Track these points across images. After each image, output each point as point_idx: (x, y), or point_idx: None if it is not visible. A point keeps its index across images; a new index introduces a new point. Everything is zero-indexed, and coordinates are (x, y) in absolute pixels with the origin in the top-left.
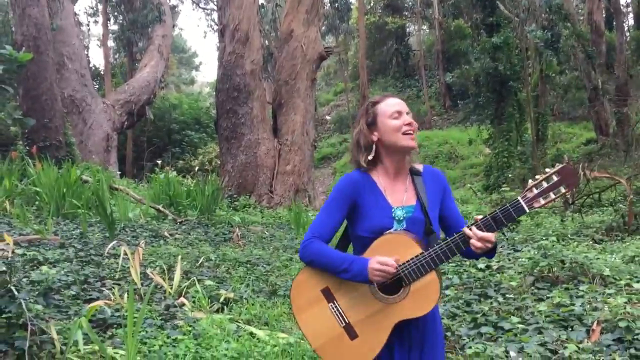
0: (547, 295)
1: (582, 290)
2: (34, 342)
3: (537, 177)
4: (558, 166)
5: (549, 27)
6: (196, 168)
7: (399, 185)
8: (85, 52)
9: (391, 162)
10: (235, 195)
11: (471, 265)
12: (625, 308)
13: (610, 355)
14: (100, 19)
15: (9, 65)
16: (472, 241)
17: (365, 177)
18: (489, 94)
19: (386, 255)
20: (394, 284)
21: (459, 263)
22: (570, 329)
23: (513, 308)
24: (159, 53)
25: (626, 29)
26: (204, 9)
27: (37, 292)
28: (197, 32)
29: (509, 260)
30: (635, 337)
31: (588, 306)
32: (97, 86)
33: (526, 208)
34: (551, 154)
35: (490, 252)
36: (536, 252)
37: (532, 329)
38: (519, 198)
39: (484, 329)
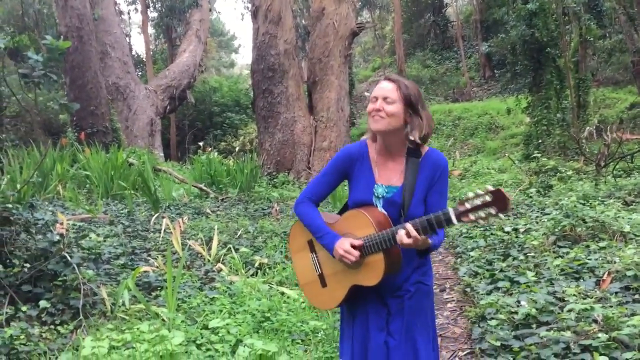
0: (567, 252)
1: (601, 247)
2: (87, 302)
3: (470, 194)
4: (492, 188)
5: None
6: (237, 148)
7: (393, 164)
8: (127, 40)
9: (378, 140)
10: (274, 173)
11: (498, 229)
12: (633, 259)
13: (613, 299)
14: (139, 6)
15: (51, 53)
16: (399, 234)
17: (362, 151)
18: (526, 62)
19: (347, 227)
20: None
21: (486, 228)
22: (581, 280)
23: (532, 265)
24: (197, 37)
25: None
26: None
27: (88, 259)
28: (234, 15)
29: (537, 222)
30: None
31: (601, 260)
32: (139, 73)
33: (454, 220)
34: (593, 120)
35: (425, 252)
36: (558, 213)
37: (544, 281)
38: (450, 209)
39: (500, 284)
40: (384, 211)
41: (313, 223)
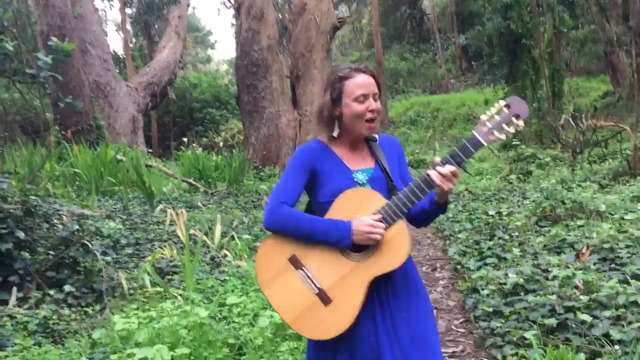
0: (548, 231)
1: (579, 225)
2: (108, 285)
3: (487, 112)
4: (506, 99)
5: None
6: (220, 144)
7: (357, 153)
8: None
9: (348, 137)
10: (260, 167)
11: (483, 213)
12: (609, 232)
13: (592, 267)
14: (116, 4)
15: (56, 55)
16: (433, 177)
17: (322, 146)
18: (502, 53)
19: (352, 211)
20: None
21: (471, 212)
22: (563, 254)
23: (517, 243)
24: (176, 34)
25: None
26: None
27: (106, 245)
28: (210, 10)
29: (518, 206)
30: (617, 255)
31: (580, 235)
32: (118, 70)
33: (483, 141)
34: (568, 108)
35: (446, 203)
36: (539, 195)
37: (529, 255)
38: (474, 132)
39: (489, 260)
40: None
41: (306, 221)
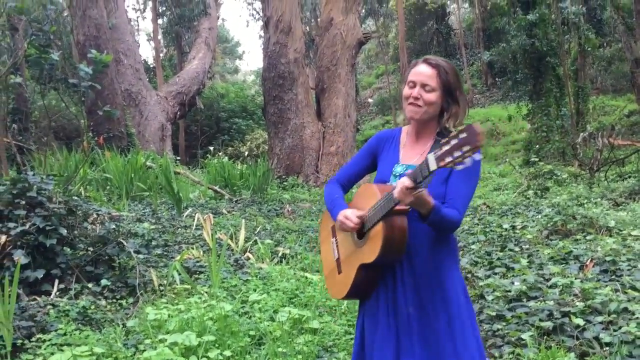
0: (557, 244)
1: (588, 239)
2: (141, 280)
3: (451, 134)
4: (463, 127)
5: (584, 1)
6: (245, 153)
7: (419, 146)
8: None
9: (411, 124)
10: (284, 176)
11: (497, 226)
12: (612, 246)
13: (597, 282)
14: (149, 14)
15: (95, 66)
16: (394, 191)
17: (394, 134)
18: (526, 70)
19: (358, 202)
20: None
21: (486, 225)
22: (567, 265)
23: (526, 255)
24: (206, 45)
25: None
26: None
27: (139, 244)
28: (239, 22)
29: (533, 221)
30: (618, 267)
31: (586, 249)
32: (147, 79)
33: (431, 166)
34: (593, 126)
35: (426, 216)
36: (551, 210)
37: (534, 266)
38: (429, 155)
39: (497, 270)
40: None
41: (329, 199)
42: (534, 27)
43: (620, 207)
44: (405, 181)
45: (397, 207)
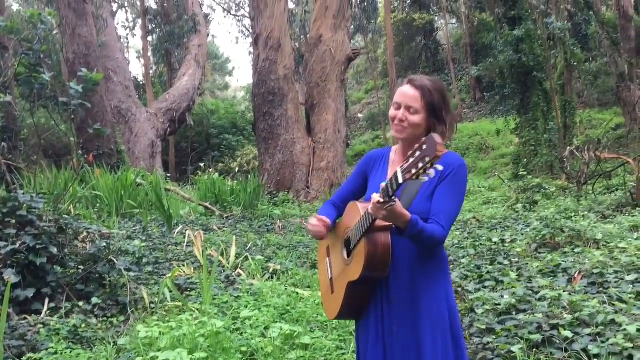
0: (546, 257)
1: (576, 252)
2: (132, 298)
3: (415, 146)
4: (426, 137)
5: (569, 17)
6: (236, 169)
7: None
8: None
9: (399, 142)
10: (274, 192)
11: (487, 240)
12: (599, 259)
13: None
14: (138, 32)
15: (86, 84)
16: (369, 206)
17: (384, 153)
18: (513, 85)
19: (346, 220)
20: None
21: (475, 239)
22: (554, 277)
23: (515, 268)
24: (195, 62)
25: None
26: (235, 15)
27: (130, 262)
28: (228, 39)
29: (522, 234)
30: (605, 280)
31: (574, 262)
32: (137, 96)
33: (400, 179)
34: (580, 140)
35: (403, 229)
36: (539, 223)
37: (523, 279)
38: (398, 168)
39: (487, 283)
40: None
41: (320, 212)
42: (521, 43)
43: (608, 219)
44: (376, 196)
45: (378, 223)
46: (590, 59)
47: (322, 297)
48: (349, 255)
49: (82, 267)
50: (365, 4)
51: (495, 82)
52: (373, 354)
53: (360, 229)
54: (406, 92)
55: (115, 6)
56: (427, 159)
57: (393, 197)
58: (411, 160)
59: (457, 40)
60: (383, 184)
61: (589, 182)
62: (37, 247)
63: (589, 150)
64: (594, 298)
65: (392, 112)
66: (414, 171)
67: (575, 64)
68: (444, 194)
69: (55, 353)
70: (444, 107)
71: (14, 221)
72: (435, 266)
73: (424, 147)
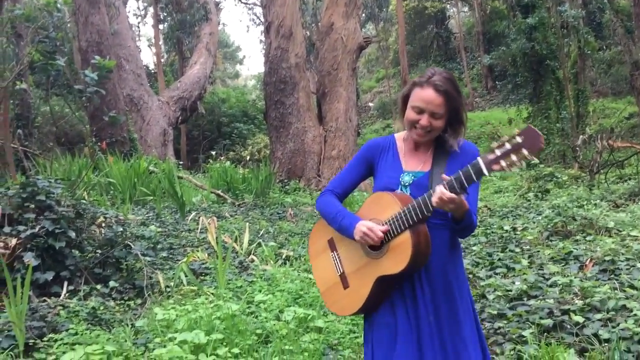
0: (557, 245)
1: (587, 240)
2: (148, 282)
3: (501, 138)
4: (522, 128)
5: (583, 5)
6: (247, 158)
7: (420, 153)
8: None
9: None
10: (285, 180)
11: (498, 228)
12: (611, 246)
13: (596, 281)
14: (150, 20)
15: (99, 72)
16: (433, 199)
17: (389, 141)
18: (526, 73)
19: (370, 211)
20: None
21: (487, 227)
22: (566, 265)
23: (526, 255)
24: (207, 50)
25: None
26: (245, 4)
27: (146, 247)
28: (239, 27)
29: (533, 222)
30: (617, 267)
31: (586, 249)
32: (149, 85)
33: (485, 170)
34: (593, 129)
35: (461, 219)
36: (551, 212)
37: (535, 266)
38: (479, 158)
39: (498, 270)
40: (407, 194)
41: (332, 209)
42: (534, 31)
43: (620, 208)
44: (443, 190)
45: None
46: (604, 47)
47: (323, 293)
48: (375, 248)
49: (99, 251)
50: None
51: (508, 70)
52: (404, 350)
53: (403, 221)
54: (431, 99)
55: None
56: (525, 152)
57: (467, 189)
58: (499, 152)
59: (469, 28)
60: (446, 177)
61: (602, 171)
62: (56, 231)
63: (601, 139)
64: (605, 284)
65: (412, 115)
66: (503, 164)
67: (588, 52)
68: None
69: (76, 334)
70: (462, 106)
71: (33, 206)
72: (458, 252)
73: (522, 138)
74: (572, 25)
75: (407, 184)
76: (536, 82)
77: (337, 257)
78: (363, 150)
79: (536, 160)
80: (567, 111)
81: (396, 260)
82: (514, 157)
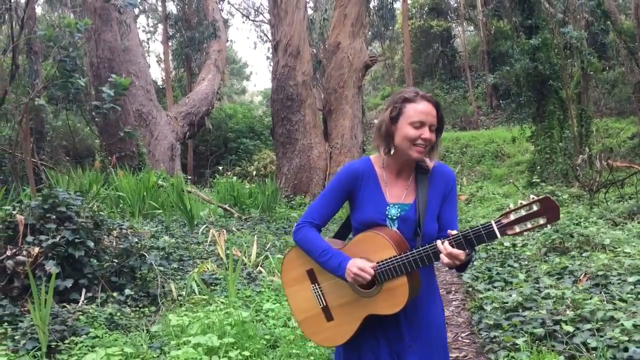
0: (554, 260)
1: (583, 257)
2: (161, 291)
3: (518, 202)
4: (540, 197)
5: (586, 26)
6: (253, 173)
7: (401, 181)
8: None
9: (398, 159)
10: (291, 196)
11: (498, 244)
12: (604, 262)
13: (588, 294)
14: (159, 37)
15: (115, 89)
16: (441, 256)
17: (368, 168)
18: (530, 93)
19: (361, 251)
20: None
21: (488, 243)
22: (561, 279)
23: (524, 270)
24: (215, 67)
25: None
26: (253, 21)
27: (160, 257)
28: (246, 43)
29: (533, 239)
30: (609, 281)
31: (581, 264)
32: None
33: (498, 234)
34: (596, 149)
35: (460, 267)
36: (549, 229)
37: (531, 279)
38: (492, 222)
39: (496, 284)
40: (396, 230)
41: (317, 246)
42: (537, 51)
43: (618, 226)
44: (450, 248)
45: None
46: (608, 67)
47: (304, 323)
48: (366, 286)
49: (115, 260)
50: (383, 10)
51: (512, 89)
52: None
53: (401, 267)
54: (428, 110)
55: (137, 11)
56: (543, 222)
57: (474, 248)
58: (513, 217)
59: (474, 47)
60: (453, 232)
61: (602, 190)
62: (76, 240)
63: (601, 159)
64: (595, 297)
65: (412, 132)
66: (517, 229)
67: (592, 72)
68: (452, 210)
69: (96, 337)
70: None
71: (54, 217)
72: (434, 278)
73: (539, 208)
74: (575, 46)
75: (394, 217)
76: (539, 101)
77: (318, 289)
78: (341, 179)
79: (550, 228)
80: (570, 130)
81: (392, 302)
82: (529, 224)
